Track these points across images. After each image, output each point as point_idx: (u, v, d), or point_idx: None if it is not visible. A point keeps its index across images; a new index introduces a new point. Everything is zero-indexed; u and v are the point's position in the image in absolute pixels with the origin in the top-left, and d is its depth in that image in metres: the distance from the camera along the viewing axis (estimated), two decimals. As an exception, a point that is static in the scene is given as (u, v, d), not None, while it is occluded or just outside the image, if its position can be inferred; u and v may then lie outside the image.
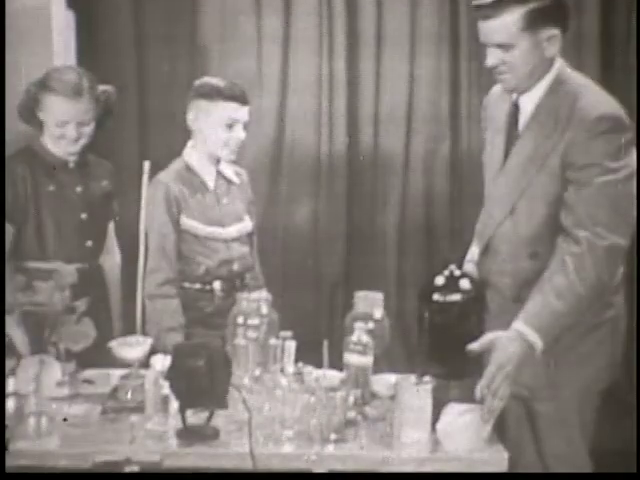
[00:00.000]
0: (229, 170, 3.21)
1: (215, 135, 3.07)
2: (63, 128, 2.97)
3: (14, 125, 3.09)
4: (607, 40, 3.77)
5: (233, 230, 3.17)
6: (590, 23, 3.73)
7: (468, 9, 3.75)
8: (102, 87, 3.05)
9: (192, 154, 3.14)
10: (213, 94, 3.05)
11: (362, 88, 3.79)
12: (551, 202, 2.48)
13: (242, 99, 3.07)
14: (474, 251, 2.66)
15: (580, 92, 2.50)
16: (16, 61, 3.27)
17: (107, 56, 3.66)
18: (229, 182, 3.20)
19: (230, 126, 3.06)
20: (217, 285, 3.11)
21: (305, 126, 3.79)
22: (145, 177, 2.73)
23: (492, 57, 2.49)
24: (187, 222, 3.09)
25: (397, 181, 3.82)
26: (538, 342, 2.33)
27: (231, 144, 3.08)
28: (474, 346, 2.35)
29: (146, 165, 2.79)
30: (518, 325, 2.35)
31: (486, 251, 2.60)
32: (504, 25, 2.44)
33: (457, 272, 2.38)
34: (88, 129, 3.01)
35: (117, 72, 3.65)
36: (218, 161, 3.15)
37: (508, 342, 2.33)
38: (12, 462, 2.21)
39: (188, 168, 3.13)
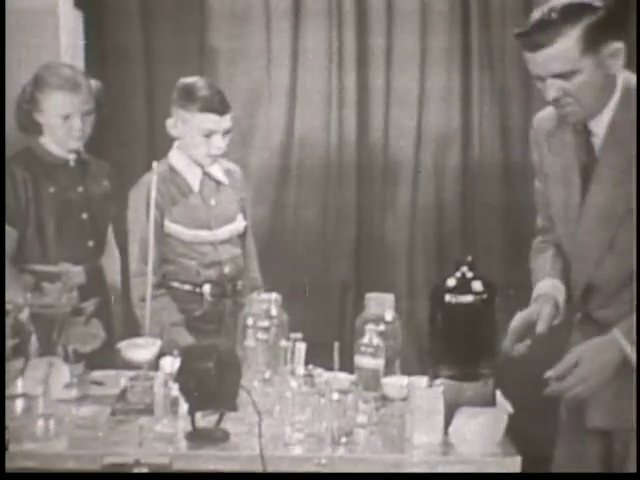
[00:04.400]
0: (217, 170, 3.12)
1: (194, 144, 3.01)
2: (69, 121, 2.98)
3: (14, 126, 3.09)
4: None
5: (222, 232, 3.10)
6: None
7: (480, 21, 3.71)
8: (91, 80, 3.06)
9: (176, 156, 3.07)
10: (190, 104, 2.98)
11: (372, 97, 3.77)
12: None
13: (221, 109, 2.98)
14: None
15: None
16: (23, 60, 3.26)
17: (115, 56, 3.66)
18: (218, 183, 3.13)
19: (208, 136, 2.99)
20: (207, 289, 3.05)
21: (314, 133, 3.77)
22: (154, 178, 2.72)
23: (552, 89, 2.19)
24: (171, 226, 3.02)
25: (407, 186, 3.80)
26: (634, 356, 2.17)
27: (212, 153, 3.01)
28: (551, 373, 2.22)
29: (154, 166, 2.78)
30: (616, 334, 2.19)
31: (587, 290, 2.39)
32: (562, 52, 2.14)
33: (469, 274, 2.35)
34: (90, 120, 3.02)
35: (125, 72, 3.65)
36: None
37: (599, 352, 2.20)
38: (20, 464, 2.20)
39: (172, 170, 3.06)
